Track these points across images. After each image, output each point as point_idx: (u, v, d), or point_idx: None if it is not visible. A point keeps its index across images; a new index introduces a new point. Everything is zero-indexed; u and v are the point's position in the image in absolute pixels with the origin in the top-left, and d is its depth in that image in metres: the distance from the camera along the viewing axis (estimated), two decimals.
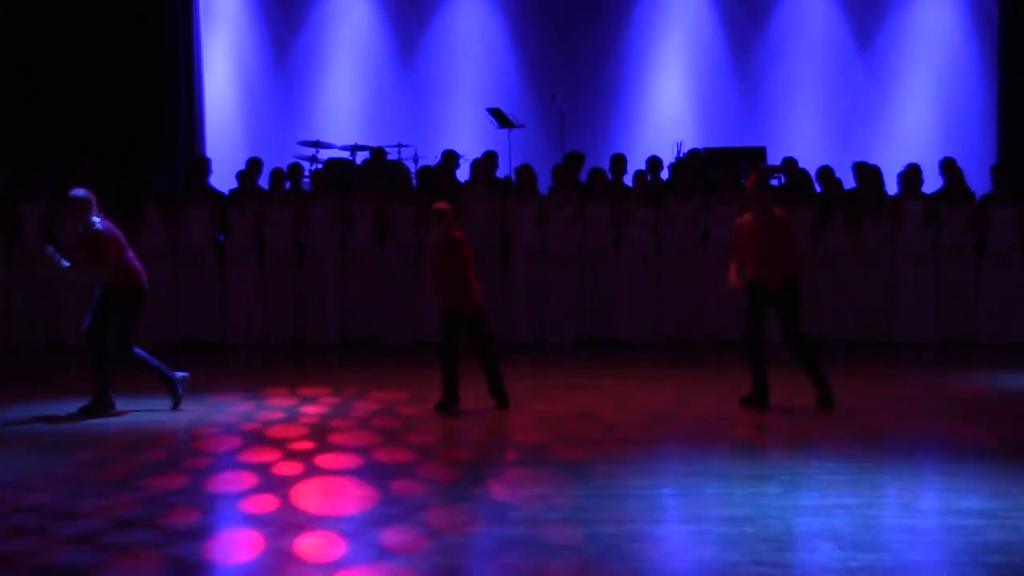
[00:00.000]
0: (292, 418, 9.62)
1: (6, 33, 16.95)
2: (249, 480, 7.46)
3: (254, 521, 6.52)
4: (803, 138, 17.58)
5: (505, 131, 17.14)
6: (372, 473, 7.59)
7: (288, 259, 14.60)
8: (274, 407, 10.16)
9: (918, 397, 10.68)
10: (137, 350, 9.96)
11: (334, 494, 7.14)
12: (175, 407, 9.88)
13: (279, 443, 8.58)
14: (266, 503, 6.85)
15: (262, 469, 7.73)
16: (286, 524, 6.39)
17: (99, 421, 9.49)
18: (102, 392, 9.82)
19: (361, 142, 16.82)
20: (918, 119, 18.09)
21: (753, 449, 8.16)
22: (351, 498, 6.99)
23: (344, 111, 18.32)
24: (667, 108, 18.39)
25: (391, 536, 6.13)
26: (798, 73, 18.41)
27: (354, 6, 18.66)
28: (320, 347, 14.39)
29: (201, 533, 6.34)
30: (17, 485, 7.26)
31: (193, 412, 9.81)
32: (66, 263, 9.86)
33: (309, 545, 6.01)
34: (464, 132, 17.86)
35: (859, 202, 14.42)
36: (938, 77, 18.20)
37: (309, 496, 7.02)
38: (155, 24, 17.37)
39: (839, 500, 6.83)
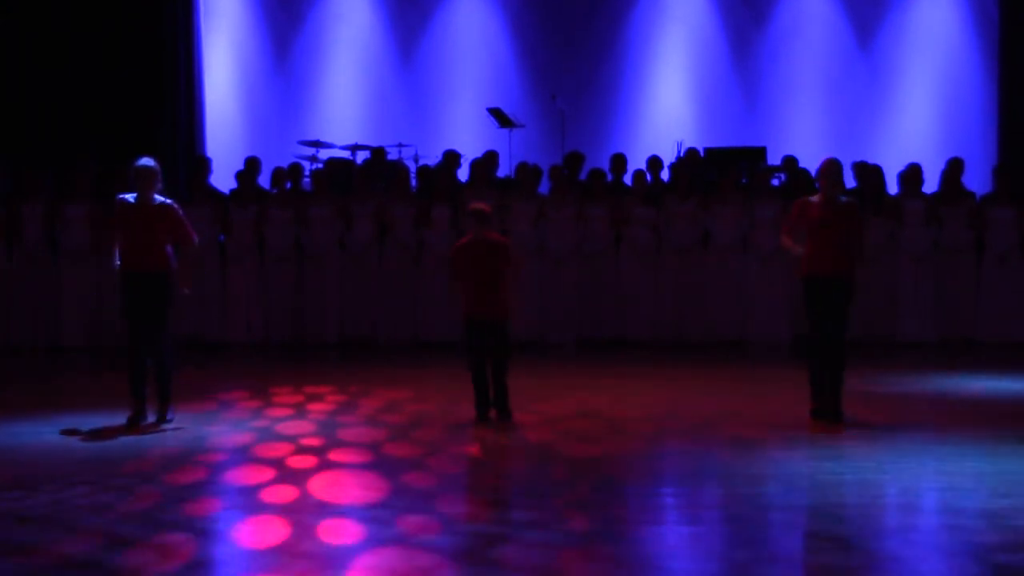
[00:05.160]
0: (300, 415, 9.66)
1: (6, 33, 16.95)
2: (266, 473, 7.52)
3: (274, 509, 6.62)
4: (803, 138, 17.55)
5: (505, 131, 17.14)
6: (383, 466, 7.67)
7: (288, 259, 14.61)
8: (281, 404, 10.20)
9: (918, 397, 10.68)
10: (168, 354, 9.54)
11: (348, 485, 7.23)
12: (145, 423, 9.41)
13: (290, 439, 8.64)
14: (284, 494, 6.94)
15: (277, 463, 7.80)
16: (306, 513, 6.50)
17: (105, 420, 9.49)
18: (168, 395, 9.36)
19: (361, 141, 16.81)
20: (918, 119, 18.07)
21: (753, 449, 8.16)
22: (365, 489, 7.07)
23: (344, 111, 18.31)
24: (667, 108, 18.38)
25: (405, 522, 6.23)
26: (798, 72, 18.39)
27: (354, 6, 18.65)
28: (320, 346, 14.40)
29: (224, 520, 6.48)
30: (23, 482, 7.26)
31: (201, 410, 9.81)
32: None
33: (329, 531, 6.13)
34: (464, 132, 17.84)
35: (860, 201, 14.41)
36: (938, 77, 18.19)
37: (325, 487, 7.11)
38: (155, 24, 17.35)
39: (839, 500, 6.84)
